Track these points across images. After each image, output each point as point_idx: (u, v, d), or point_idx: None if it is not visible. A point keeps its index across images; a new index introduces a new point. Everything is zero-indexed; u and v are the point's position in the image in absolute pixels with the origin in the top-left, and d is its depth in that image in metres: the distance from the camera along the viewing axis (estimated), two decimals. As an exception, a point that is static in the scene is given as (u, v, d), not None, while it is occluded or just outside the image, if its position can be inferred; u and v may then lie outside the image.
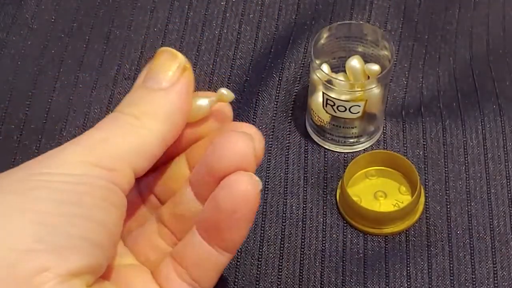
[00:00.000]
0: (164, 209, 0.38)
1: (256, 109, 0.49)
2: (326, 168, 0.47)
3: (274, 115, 0.49)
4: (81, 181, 0.32)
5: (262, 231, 0.44)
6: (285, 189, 0.46)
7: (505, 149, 0.47)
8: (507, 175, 0.46)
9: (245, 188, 0.33)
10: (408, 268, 0.43)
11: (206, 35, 0.53)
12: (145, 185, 0.39)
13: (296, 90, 0.50)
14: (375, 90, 0.45)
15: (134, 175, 0.34)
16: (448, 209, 0.45)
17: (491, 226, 0.44)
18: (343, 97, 0.45)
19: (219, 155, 0.34)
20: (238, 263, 0.43)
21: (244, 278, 0.43)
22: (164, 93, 0.35)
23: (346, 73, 0.47)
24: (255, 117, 0.48)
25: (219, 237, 0.35)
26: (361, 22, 0.52)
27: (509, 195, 0.45)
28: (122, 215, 0.34)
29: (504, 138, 0.47)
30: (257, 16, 0.53)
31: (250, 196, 0.33)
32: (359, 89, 0.45)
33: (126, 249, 0.38)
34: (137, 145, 0.34)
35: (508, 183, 0.46)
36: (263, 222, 0.45)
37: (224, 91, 0.37)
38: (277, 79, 0.50)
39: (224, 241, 0.35)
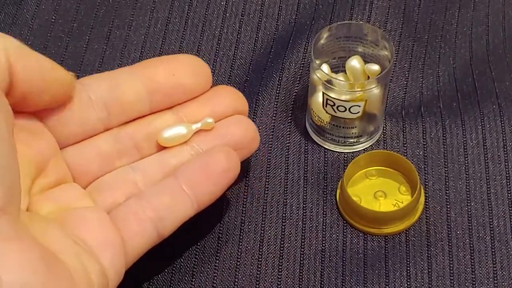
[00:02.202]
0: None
1: (256, 109, 0.49)
2: (326, 168, 0.47)
3: (274, 115, 0.49)
4: None
5: (262, 231, 0.44)
6: (285, 189, 0.46)
7: (505, 149, 0.47)
8: (507, 175, 0.46)
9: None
10: (408, 268, 0.43)
11: (206, 35, 0.53)
12: (127, 133, 0.41)
13: (296, 90, 0.50)
14: (375, 90, 0.45)
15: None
16: (448, 209, 0.45)
17: (491, 226, 0.44)
18: (343, 97, 0.45)
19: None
20: (238, 263, 0.43)
21: (244, 278, 0.43)
22: None
23: (346, 73, 0.47)
24: (255, 117, 0.48)
25: (199, 186, 0.39)
26: (361, 22, 0.52)
27: (509, 195, 0.45)
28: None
29: (504, 138, 0.47)
30: (257, 16, 0.53)
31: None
32: (359, 89, 0.45)
33: (85, 193, 0.39)
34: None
35: (508, 183, 0.46)
36: (263, 222, 0.45)
37: (209, 120, 0.42)
38: (277, 79, 0.50)
39: (202, 192, 0.39)
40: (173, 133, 0.41)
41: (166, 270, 0.43)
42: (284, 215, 0.45)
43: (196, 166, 0.40)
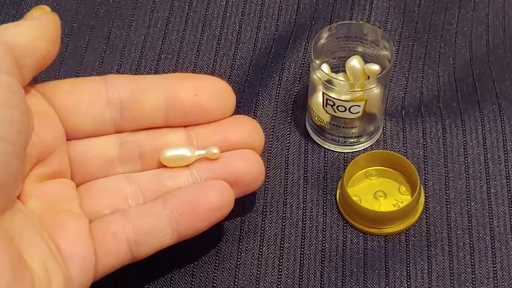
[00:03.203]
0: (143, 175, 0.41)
1: (256, 109, 0.49)
2: (326, 168, 0.47)
3: (274, 115, 0.49)
4: None
5: (262, 231, 0.44)
6: (285, 189, 0.46)
7: (505, 149, 0.47)
8: (507, 175, 0.46)
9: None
10: (408, 268, 0.43)
11: (206, 35, 0.53)
12: (135, 140, 0.41)
13: (296, 90, 0.50)
14: (375, 90, 0.45)
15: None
16: (448, 209, 0.45)
17: (491, 226, 0.44)
18: (343, 97, 0.45)
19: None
20: (238, 263, 0.43)
21: (244, 278, 0.43)
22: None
23: (346, 73, 0.47)
24: (255, 117, 0.48)
25: (185, 219, 0.39)
26: (361, 22, 0.52)
27: (509, 195, 0.45)
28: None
29: (504, 138, 0.47)
30: (257, 16, 0.53)
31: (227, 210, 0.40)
32: (359, 89, 0.45)
33: (76, 196, 0.39)
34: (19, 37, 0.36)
35: (508, 183, 0.46)
36: (263, 222, 0.45)
37: (215, 150, 0.41)
38: (277, 79, 0.50)
39: (185, 226, 0.39)
40: (176, 154, 0.41)
41: (166, 270, 0.43)
42: (284, 215, 0.45)
43: (187, 197, 0.39)
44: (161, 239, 0.39)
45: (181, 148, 0.41)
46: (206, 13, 0.54)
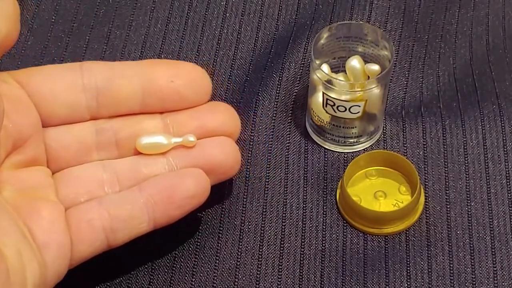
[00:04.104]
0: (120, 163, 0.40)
1: (256, 109, 0.49)
2: (326, 168, 0.47)
3: (274, 115, 0.49)
4: None
5: (262, 231, 0.44)
6: (285, 189, 0.46)
7: (505, 149, 0.47)
8: (507, 175, 0.46)
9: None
10: (408, 268, 0.43)
11: (206, 35, 0.53)
12: (111, 126, 0.41)
13: (296, 90, 0.50)
14: (375, 90, 0.45)
15: None
16: (448, 209, 0.45)
17: (491, 226, 0.44)
18: (343, 97, 0.45)
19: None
20: (238, 263, 0.43)
21: (244, 278, 0.43)
22: None
23: (346, 73, 0.47)
24: (255, 117, 0.48)
25: (161, 207, 0.39)
26: (361, 22, 0.52)
27: (509, 195, 0.45)
28: None
29: (504, 138, 0.47)
30: (257, 16, 0.53)
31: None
32: (359, 89, 0.45)
33: (51, 183, 0.39)
34: None
35: (508, 183, 0.46)
36: (263, 222, 0.45)
37: (191, 138, 0.41)
38: (277, 79, 0.50)
39: (161, 213, 0.39)
40: (152, 142, 0.41)
41: (165, 270, 0.43)
42: (284, 215, 0.45)
43: (162, 185, 0.39)
44: (138, 226, 0.39)
45: (158, 136, 0.41)
46: (206, 13, 0.54)
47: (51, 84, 0.40)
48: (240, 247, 0.44)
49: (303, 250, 0.44)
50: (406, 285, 0.42)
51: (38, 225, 0.36)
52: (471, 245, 0.44)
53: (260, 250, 0.44)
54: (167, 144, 0.41)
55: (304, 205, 0.45)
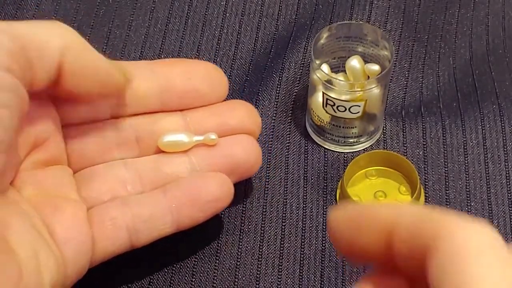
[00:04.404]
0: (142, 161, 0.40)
1: (256, 109, 0.49)
2: (326, 168, 0.47)
3: (274, 115, 0.49)
4: None
5: (262, 231, 0.44)
6: (285, 189, 0.46)
7: (505, 149, 0.47)
8: (507, 175, 0.46)
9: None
10: (408, 268, 0.43)
11: (206, 35, 0.53)
12: (131, 125, 0.41)
13: (296, 90, 0.50)
14: (375, 90, 0.45)
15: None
16: (448, 209, 0.45)
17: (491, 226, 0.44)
18: (343, 97, 0.45)
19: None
20: (238, 263, 0.43)
21: (244, 278, 0.43)
22: None
23: (346, 73, 0.47)
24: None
25: (184, 209, 0.39)
26: (361, 22, 0.52)
27: (509, 195, 0.45)
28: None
29: (504, 138, 0.47)
30: (257, 16, 0.53)
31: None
32: (359, 89, 0.45)
33: (73, 182, 0.39)
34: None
35: (508, 183, 0.46)
36: (263, 222, 0.45)
37: (212, 136, 0.41)
38: (277, 79, 0.50)
39: (185, 216, 0.39)
40: (174, 140, 0.41)
41: (166, 270, 0.43)
42: (284, 215, 0.45)
43: (187, 188, 0.39)
44: (160, 227, 0.39)
45: (179, 134, 0.41)
46: (206, 13, 0.54)
47: None
48: (240, 247, 0.44)
49: (303, 250, 0.44)
50: (406, 285, 0.42)
51: (59, 222, 0.36)
52: (471, 245, 0.44)
53: (260, 250, 0.44)
54: (189, 142, 0.41)
55: (304, 205, 0.45)
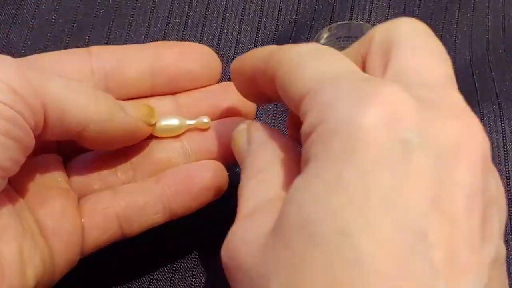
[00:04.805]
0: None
1: (256, 109, 0.49)
2: (326, 168, 0.47)
3: (274, 115, 0.49)
4: None
5: (262, 231, 0.44)
6: (285, 189, 0.46)
7: (505, 149, 0.47)
8: (507, 175, 0.46)
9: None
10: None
11: (206, 35, 0.53)
12: None
13: (296, 90, 0.50)
14: (375, 90, 0.45)
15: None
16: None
17: (491, 226, 0.44)
18: (343, 97, 0.44)
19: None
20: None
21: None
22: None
23: (346, 73, 0.47)
24: (255, 117, 0.48)
25: (177, 197, 0.38)
26: (361, 22, 0.52)
27: (509, 195, 0.45)
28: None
29: (504, 138, 0.47)
30: (257, 16, 0.53)
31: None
32: (359, 89, 0.45)
33: (62, 169, 0.39)
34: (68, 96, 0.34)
35: (508, 183, 0.46)
36: (263, 222, 0.45)
37: (204, 119, 0.40)
38: (277, 79, 0.50)
39: (178, 204, 0.38)
40: (166, 124, 0.40)
41: (166, 270, 0.43)
42: (284, 215, 0.45)
43: (180, 176, 0.39)
44: (153, 216, 0.38)
45: (172, 118, 0.40)
46: (206, 13, 0.54)
47: (58, 69, 0.39)
48: (240, 247, 0.44)
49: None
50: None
51: (48, 213, 0.36)
52: (471, 245, 0.44)
53: (260, 250, 0.44)
54: (182, 126, 0.40)
55: (304, 205, 0.45)
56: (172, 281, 0.43)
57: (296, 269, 0.26)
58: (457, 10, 0.54)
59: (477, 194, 0.27)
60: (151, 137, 0.41)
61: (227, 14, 0.53)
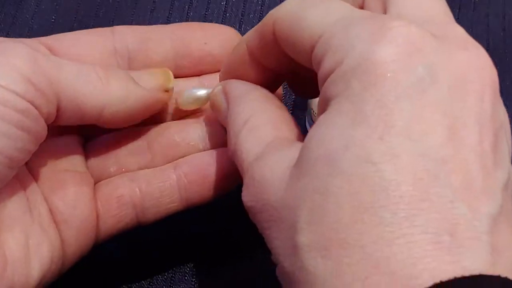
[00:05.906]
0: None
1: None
2: (326, 168, 0.47)
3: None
4: None
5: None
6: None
7: (505, 149, 0.47)
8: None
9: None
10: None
11: (206, 35, 0.53)
12: None
13: (296, 90, 0.50)
14: (375, 90, 0.45)
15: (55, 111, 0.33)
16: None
17: (491, 226, 0.44)
18: (343, 97, 0.44)
19: None
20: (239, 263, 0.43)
21: (244, 278, 0.43)
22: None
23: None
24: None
25: (194, 186, 0.38)
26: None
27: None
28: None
29: (504, 138, 0.47)
30: (257, 16, 0.53)
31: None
32: (359, 89, 0.44)
33: (80, 152, 0.38)
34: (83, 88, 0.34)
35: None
36: (263, 222, 0.45)
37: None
38: (277, 79, 0.50)
39: (194, 192, 0.38)
40: (194, 94, 0.39)
41: (166, 270, 0.43)
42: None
43: (197, 165, 0.38)
44: (169, 205, 0.38)
45: (199, 89, 0.39)
46: (206, 13, 0.54)
47: (79, 48, 0.38)
48: (241, 247, 0.44)
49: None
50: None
51: (62, 199, 0.35)
52: (471, 245, 0.44)
53: (260, 250, 0.44)
54: (208, 95, 0.39)
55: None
56: (172, 281, 0.43)
57: (322, 196, 0.27)
58: (457, 10, 0.54)
59: (488, 121, 0.28)
60: (170, 118, 0.40)
61: (227, 14, 0.53)
